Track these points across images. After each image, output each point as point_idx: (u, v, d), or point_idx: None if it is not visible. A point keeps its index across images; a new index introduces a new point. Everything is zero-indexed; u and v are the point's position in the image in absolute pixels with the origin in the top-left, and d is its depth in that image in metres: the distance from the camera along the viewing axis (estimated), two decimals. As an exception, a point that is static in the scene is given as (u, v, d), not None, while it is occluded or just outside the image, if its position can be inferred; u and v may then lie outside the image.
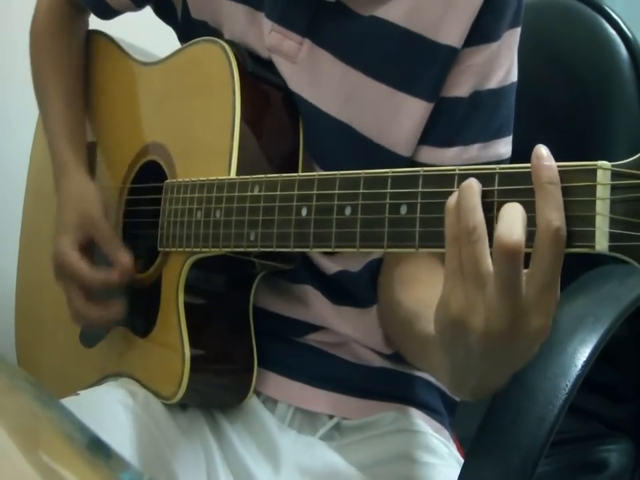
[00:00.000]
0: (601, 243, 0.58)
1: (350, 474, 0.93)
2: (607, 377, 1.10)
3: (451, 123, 0.89)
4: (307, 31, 0.90)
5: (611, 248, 0.58)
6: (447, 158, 0.89)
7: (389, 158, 0.89)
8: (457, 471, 0.86)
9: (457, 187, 0.64)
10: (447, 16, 0.86)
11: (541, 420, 0.79)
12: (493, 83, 0.89)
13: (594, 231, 0.59)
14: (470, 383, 0.69)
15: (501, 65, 0.90)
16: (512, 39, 0.90)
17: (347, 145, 0.90)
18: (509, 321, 0.60)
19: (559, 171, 0.60)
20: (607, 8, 1.16)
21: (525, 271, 0.61)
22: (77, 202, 1.00)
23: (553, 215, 0.59)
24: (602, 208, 0.58)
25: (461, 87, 0.89)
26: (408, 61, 0.88)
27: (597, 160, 0.60)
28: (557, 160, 0.61)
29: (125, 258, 0.95)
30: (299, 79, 0.91)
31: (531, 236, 0.60)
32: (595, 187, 0.59)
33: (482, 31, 0.87)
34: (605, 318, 0.88)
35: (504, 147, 0.91)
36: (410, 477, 0.94)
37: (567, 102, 1.19)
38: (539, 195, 0.60)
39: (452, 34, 0.87)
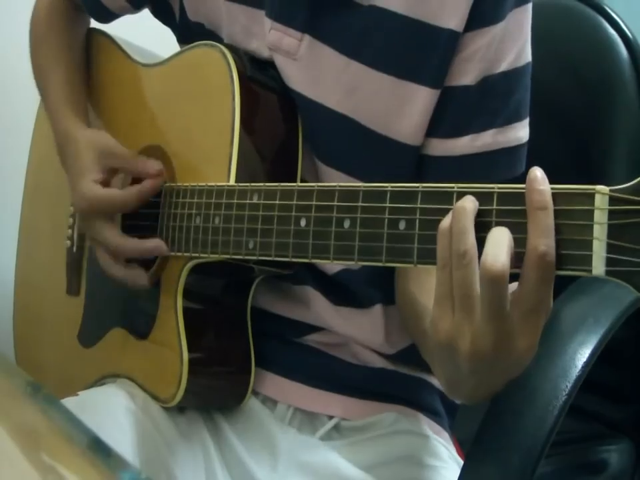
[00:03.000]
0: (598, 268, 0.59)
1: (349, 474, 0.93)
2: (607, 377, 1.10)
3: (459, 112, 0.88)
4: (306, 26, 0.89)
5: (608, 272, 0.59)
6: (457, 148, 0.88)
7: (395, 148, 0.89)
8: (456, 473, 0.86)
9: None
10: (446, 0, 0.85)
11: (541, 421, 0.79)
12: (504, 66, 0.87)
13: (591, 255, 0.59)
14: (463, 392, 0.74)
15: (511, 46, 0.87)
16: (520, 17, 0.88)
17: (350, 138, 0.90)
18: (493, 342, 0.62)
19: (557, 193, 0.61)
20: (607, 8, 1.16)
21: (513, 286, 0.62)
22: (88, 144, 0.97)
23: (540, 240, 0.60)
24: (599, 232, 0.59)
25: (467, 75, 0.87)
26: (411, 48, 0.87)
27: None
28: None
29: (152, 164, 0.92)
30: (300, 76, 0.90)
31: (522, 257, 0.61)
32: (592, 211, 0.59)
33: (483, 14, 0.85)
34: (605, 319, 0.88)
35: (522, 129, 0.90)
36: (409, 478, 0.94)
37: (566, 102, 1.19)
38: (529, 219, 0.61)
39: (452, 17, 0.85)
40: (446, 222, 0.64)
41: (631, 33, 1.14)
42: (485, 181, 0.65)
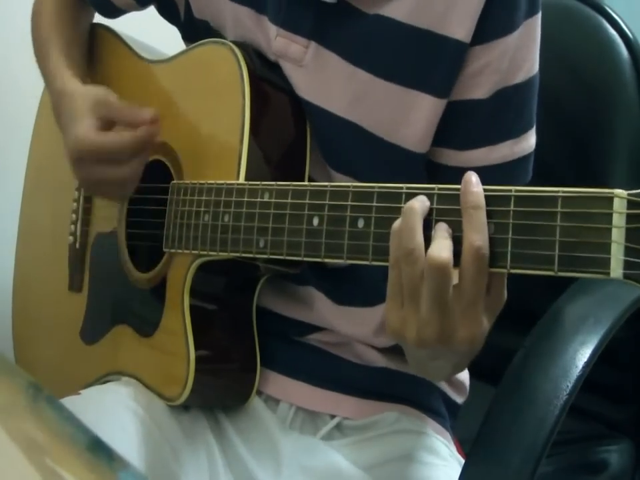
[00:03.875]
0: (616, 270, 0.60)
1: (351, 474, 0.93)
2: (607, 377, 1.10)
3: (474, 125, 0.88)
4: (313, 33, 0.89)
5: (626, 275, 0.60)
6: (474, 159, 0.88)
7: (401, 155, 0.88)
8: (457, 472, 0.86)
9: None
10: (454, 9, 0.84)
11: (541, 421, 0.80)
12: (520, 78, 0.87)
13: (609, 258, 0.60)
14: (422, 373, 0.85)
15: (525, 58, 0.87)
16: (532, 28, 0.87)
17: (358, 145, 0.89)
18: (436, 332, 0.67)
19: (576, 197, 0.62)
20: (607, 8, 1.16)
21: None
22: (83, 95, 0.95)
23: (475, 236, 0.65)
24: (617, 236, 0.60)
25: (479, 88, 0.86)
26: (417, 57, 0.86)
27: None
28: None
29: (146, 111, 0.89)
30: (306, 83, 0.90)
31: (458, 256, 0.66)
32: (611, 214, 0.60)
33: (493, 26, 0.85)
34: (606, 319, 0.89)
35: (533, 136, 0.90)
36: (411, 477, 0.94)
37: (567, 102, 1.19)
38: (464, 217, 0.66)
39: (459, 27, 0.84)
40: (397, 222, 0.68)
41: (631, 32, 1.14)
42: None
